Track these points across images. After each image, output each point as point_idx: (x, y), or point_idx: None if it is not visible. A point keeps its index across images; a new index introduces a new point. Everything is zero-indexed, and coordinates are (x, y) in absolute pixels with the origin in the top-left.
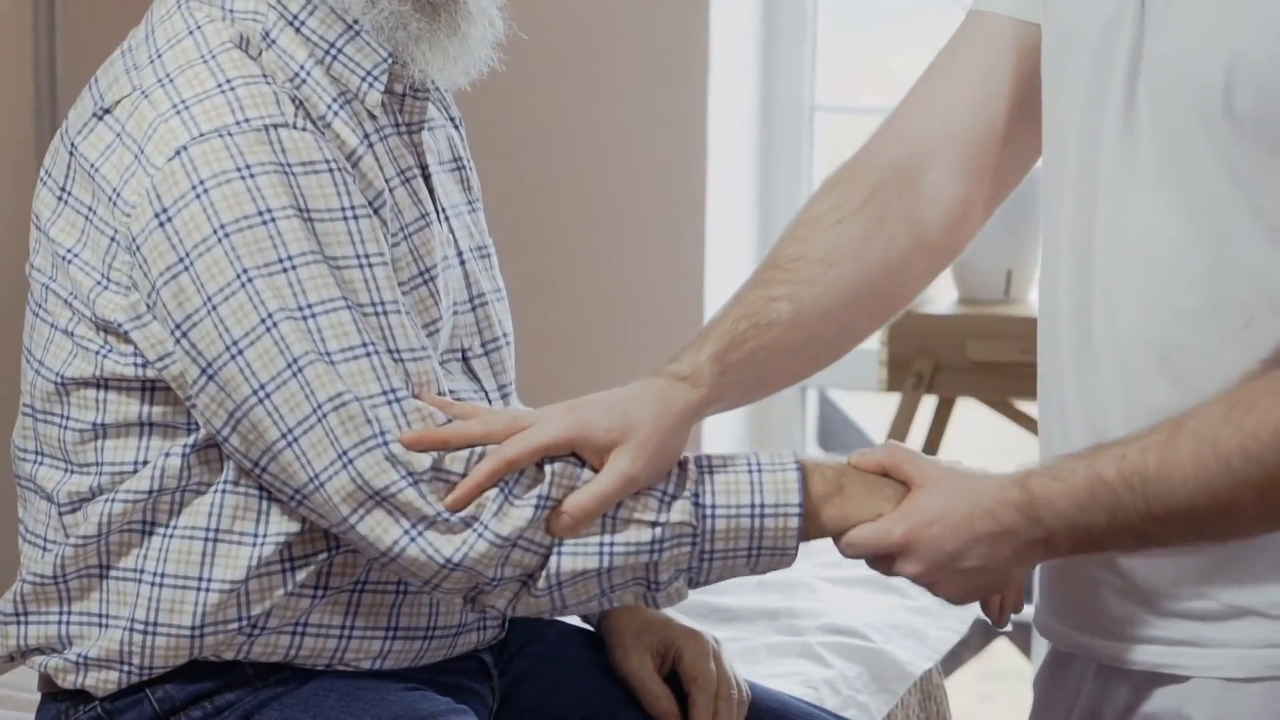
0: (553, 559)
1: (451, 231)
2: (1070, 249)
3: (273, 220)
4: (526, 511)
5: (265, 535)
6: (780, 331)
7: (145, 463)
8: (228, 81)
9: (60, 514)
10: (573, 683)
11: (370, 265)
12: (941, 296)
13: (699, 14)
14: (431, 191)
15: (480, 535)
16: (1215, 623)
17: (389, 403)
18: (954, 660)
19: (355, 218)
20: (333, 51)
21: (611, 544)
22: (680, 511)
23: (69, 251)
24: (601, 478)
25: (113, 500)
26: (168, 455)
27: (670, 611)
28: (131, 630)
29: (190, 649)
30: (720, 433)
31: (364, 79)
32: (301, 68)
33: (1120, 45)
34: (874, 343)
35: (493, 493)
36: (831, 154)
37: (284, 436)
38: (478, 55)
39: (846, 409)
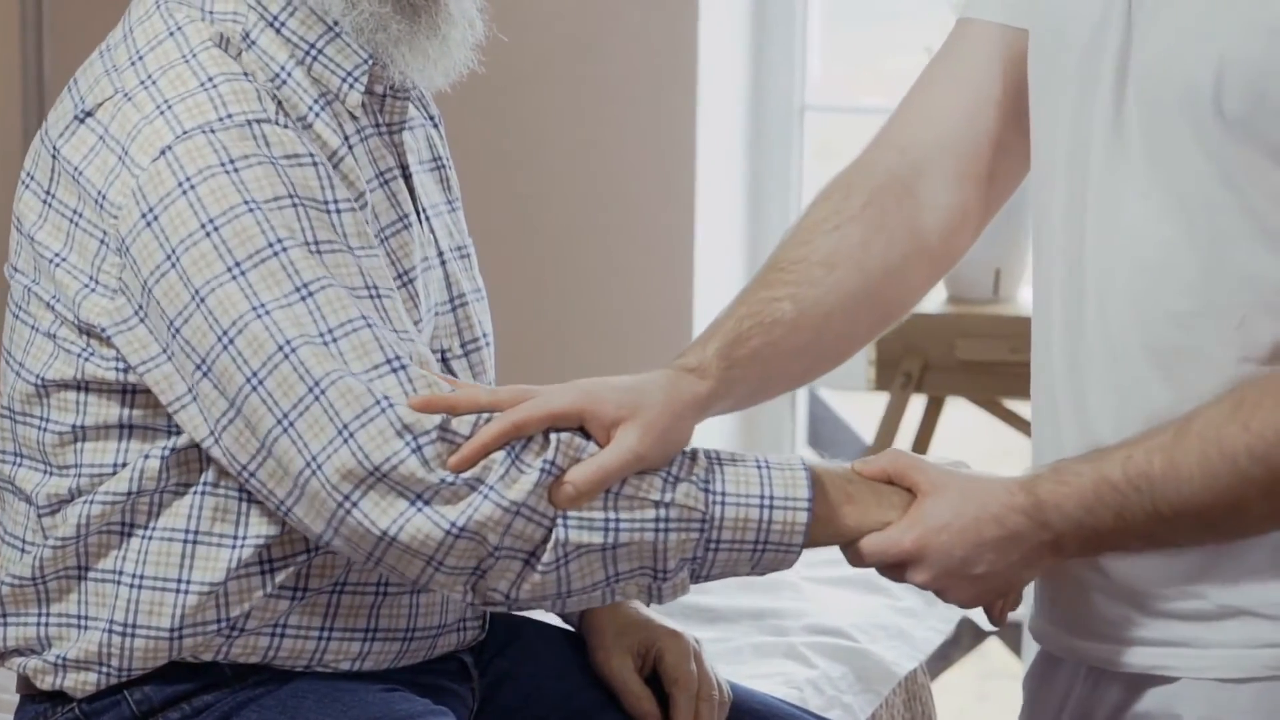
0: (558, 530)
1: (432, 232)
2: (1062, 252)
3: (259, 208)
4: (532, 475)
5: (244, 537)
6: (784, 331)
7: (124, 465)
8: (210, 79)
9: (39, 516)
10: (553, 684)
11: (356, 254)
12: (930, 296)
13: (689, 13)
14: (412, 192)
15: (486, 497)
16: (1208, 623)
17: (394, 370)
18: (944, 660)
19: (338, 211)
20: (313, 52)
21: (617, 520)
22: (686, 495)
23: (56, 255)
24: (607, 452)
25: (91, 502)
26: (146, 457)
27: (652, 612)
28: (110, 632)
29: (169, 650)
30: (712, 431)
31: (344, 80)
32: (282, 68)
33: (1108, 48)
34: None
35: (500, 455)
36: (821, 154)
37: (280, 422)
38: (458, 57)
39: (837, 409)
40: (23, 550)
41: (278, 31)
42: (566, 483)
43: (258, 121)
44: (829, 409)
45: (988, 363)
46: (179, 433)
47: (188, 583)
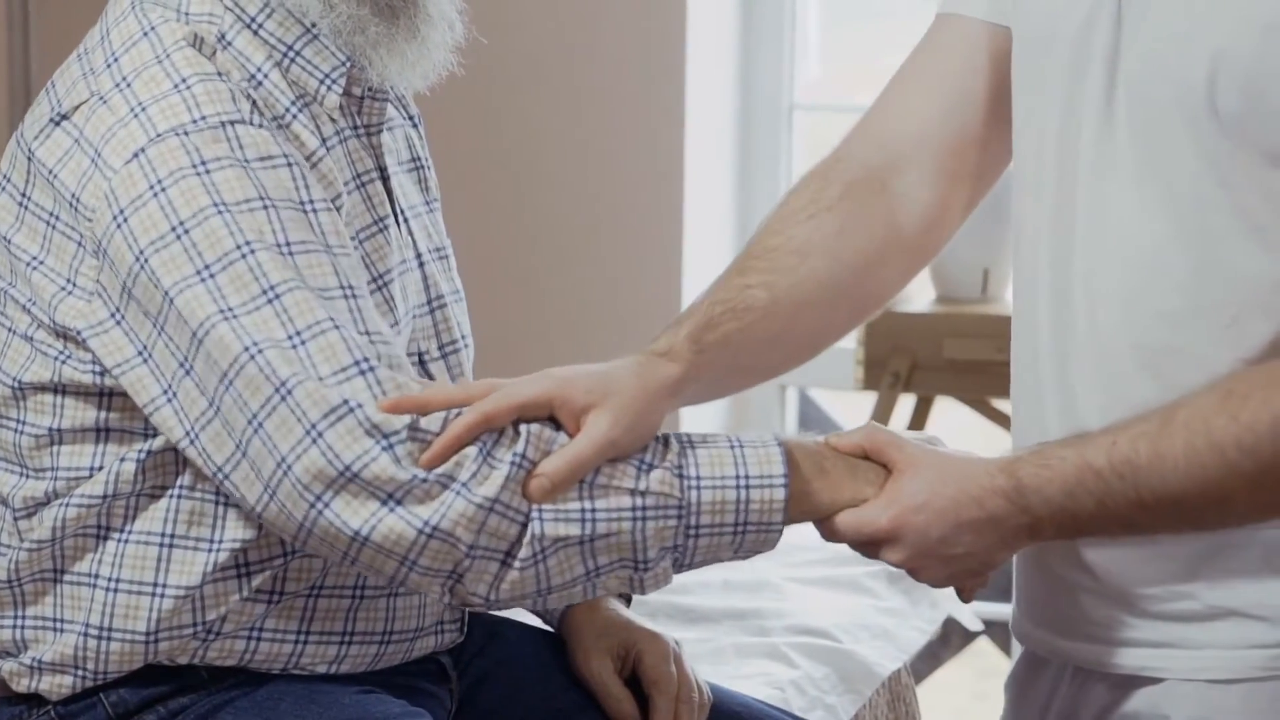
0: (534, 524)
1: (410, 233)
2: (1049, 250)
3: (228, 212)
4: (503, 470)
5: (220, 541)
6: (755, 317)
7: (100, 468)
8: (183, 80)
9: (15, 518)
10: (532, 685)
11: (333, 253)
12: (918, 295)
13: (677, 11)
14: (390, 194)
15: (458, 494)
16: (1197, 624)
17: (362, 373)
18: (934, 660)
19: (315, 211)
20: (290, 54)
21: (593, 510)
22: (661, 481)
23: (33, 259)
24: (579, 440)
25: (67, 505)
26: (123, 460)
27: (632, 613)
28: (86, 635)
29: (145, 654)
30: (700, 429)
31: (322, 82)
32: (259, 70)
33: (1097, 44)
34: (850, 341)
35: (471, 451)
36: (811, 153)
37: (250, 422)
38: (436, 59)
39: (827, 408)
40: None
41: (255, 33)
42: (540, 475)
43: (232, 123)
44: (818, 408)
45: (976, 362)
46: (155, 436)
47: (163, 586)
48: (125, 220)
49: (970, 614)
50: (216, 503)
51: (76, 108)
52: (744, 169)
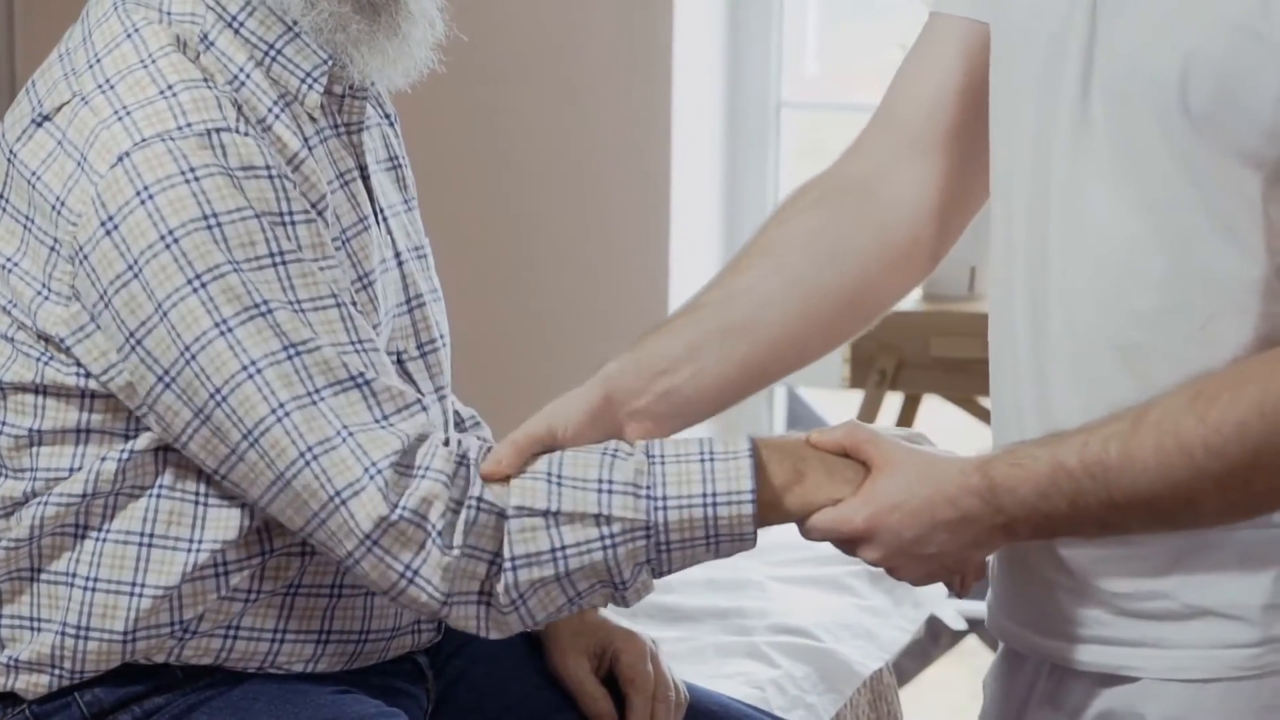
0: (508, 574)
1: (389, 233)
2: (1025, 249)
3: (218, 224)
4: (463, 514)
5: (200, 541)
6: (754, 310)
7: (80, 468)
8: (169, 87)
9: None
10: (510, 684)
11: (317, 265)
12: None
13: (664, 7)
14: (370, 193)
15: (434, 545)
16: (1173, 623)
17: (357, 386)
18: (923, 658)
19: (294, 223)
20: (272, 53)
21: (563, 548)
22: (624, 507)
23: (9, 260)
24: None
25: (45, 504)
26: (103, 460)
27: (608, 613)
28: (64, 634)
29: (122, 653)
30: (694, 429)
31: (303, 80)
32: (241, 69)
33: (1072, 43)
34: None
35: (439, 505)
36: (799, 151)
37: (245, 437)
38: (418, 57)
39: (815, 406)
40: None
41: (236, 32)
42: (483, 469)
43: (217, 131)
44: (806, 406)
45: (963, 360)
46: (136, 436)
47: (141, 585)
48: (115, 227)
49: (954, 613)
50: (196, 503)
51: (59, 108)
52: (731, 167)
